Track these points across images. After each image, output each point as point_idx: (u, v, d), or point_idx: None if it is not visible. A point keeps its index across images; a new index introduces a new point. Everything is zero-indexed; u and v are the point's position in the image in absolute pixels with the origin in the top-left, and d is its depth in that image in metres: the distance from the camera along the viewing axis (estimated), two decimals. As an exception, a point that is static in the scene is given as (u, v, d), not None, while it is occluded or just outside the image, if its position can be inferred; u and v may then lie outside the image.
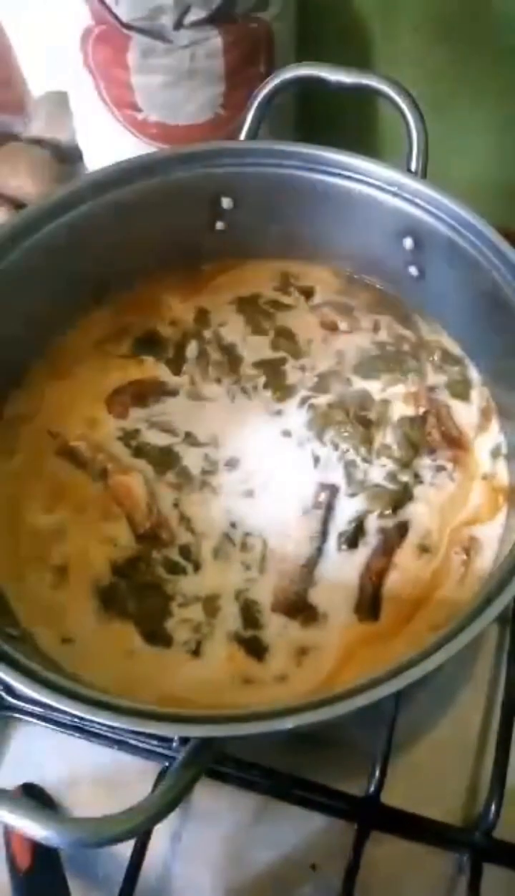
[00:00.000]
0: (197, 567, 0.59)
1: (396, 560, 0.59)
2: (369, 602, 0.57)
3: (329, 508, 0.61)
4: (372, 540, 0.60)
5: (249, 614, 0.57)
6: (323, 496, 0.61)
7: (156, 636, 0.56)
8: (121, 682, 0.52)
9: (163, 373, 0.68)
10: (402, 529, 0.60)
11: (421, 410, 0.65)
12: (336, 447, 0.63)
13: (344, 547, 0.59)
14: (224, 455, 0.64)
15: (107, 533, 0.60)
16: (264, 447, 0.64)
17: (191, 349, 0.70)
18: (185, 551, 0.59)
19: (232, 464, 0.63)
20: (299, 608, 0.57)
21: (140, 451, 0.64)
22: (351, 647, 0.55)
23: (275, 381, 0.68)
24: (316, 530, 0.60)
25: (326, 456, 0.63)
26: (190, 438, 0.65)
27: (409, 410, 0.65)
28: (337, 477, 0.62)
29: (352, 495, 0.61)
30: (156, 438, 0.65)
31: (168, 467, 0.63)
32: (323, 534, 0.60)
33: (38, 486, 0.62)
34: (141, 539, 0.60)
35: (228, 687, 0.54)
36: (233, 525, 0.61)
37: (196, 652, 0.56)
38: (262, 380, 0.68)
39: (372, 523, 0.60)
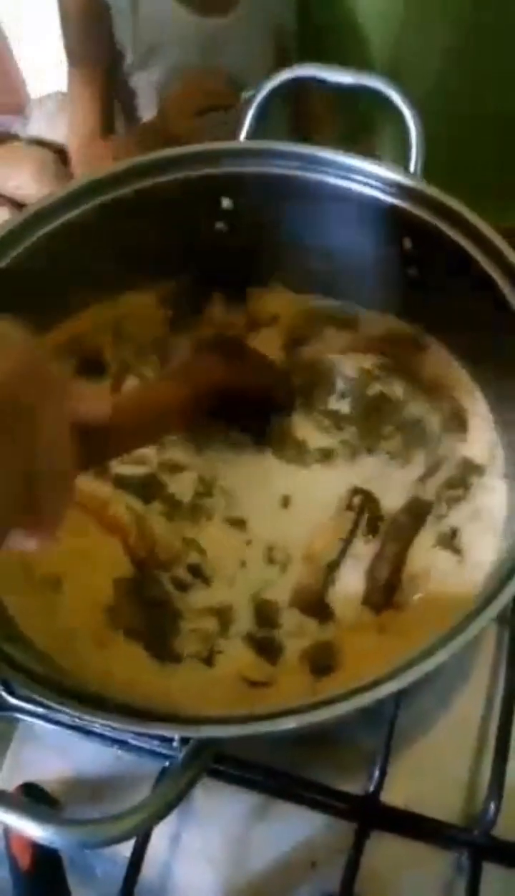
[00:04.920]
0: (208, 582, 0.59)
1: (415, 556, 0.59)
2: (379, 593, 0.57)
3: (361, 512, 0.61)
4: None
5: (265, 615, 0.57)
6: (357, 499, 0.61)
7: (165, 654, 0.56)
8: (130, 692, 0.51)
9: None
10: (418, 521, 0.60)
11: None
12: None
13: (369, 538, 0.60)
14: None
15: (108, 558, 0.59)
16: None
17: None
18: (194, 569, 0.59)
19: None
20: (317, 607, 0.58)
21: (119, 484, 0.62)
22: (364, 644, 0.56)
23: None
24: (346, 530, 0.60)
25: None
26: (170, 464, 0.64)
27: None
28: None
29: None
30: (132, 470, 0.63)
31: (153, 496, 0.62)
32: (353, 534, 0.60)
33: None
34: (140, 565, 0.59)
35: (241, 691, 0.54)
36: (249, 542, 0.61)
37: (208, 661, 0.56)
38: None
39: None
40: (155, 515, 0.62)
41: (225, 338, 0.70)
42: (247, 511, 0.62)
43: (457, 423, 0.65)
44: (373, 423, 0.66)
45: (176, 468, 0.64)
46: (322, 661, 0.55)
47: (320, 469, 0.64)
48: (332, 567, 0.59)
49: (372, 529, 0.60)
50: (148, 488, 0.63)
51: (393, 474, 0.63)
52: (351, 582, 0.59)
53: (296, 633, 0.57)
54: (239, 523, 0.62)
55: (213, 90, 1.03)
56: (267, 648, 0.56)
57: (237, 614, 0.57)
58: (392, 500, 0.62)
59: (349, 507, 0.61)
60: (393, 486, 0.63)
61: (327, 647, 0.56)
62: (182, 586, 0.59)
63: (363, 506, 0.61)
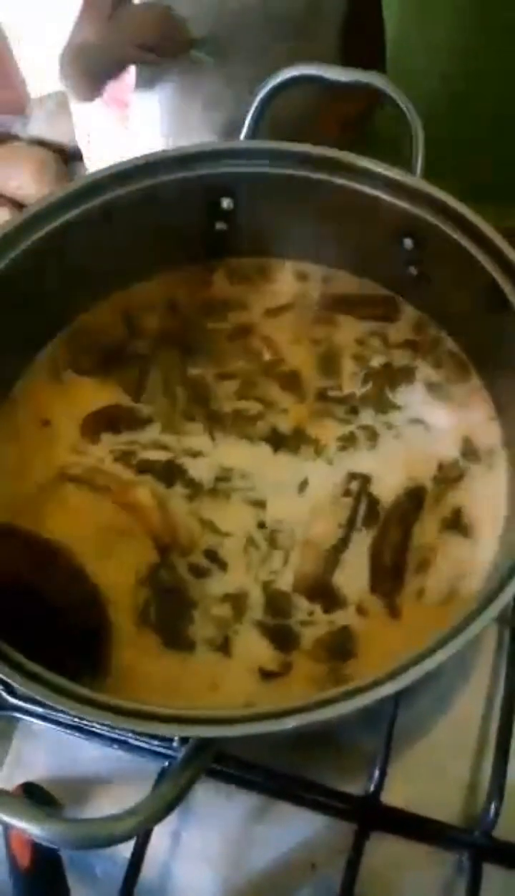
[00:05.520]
0: (224, 567, 0.59)
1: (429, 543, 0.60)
2: (386, 578, 0.58)
3: (359, 498, 0.61)
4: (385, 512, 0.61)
5: (277, 604, 0.57)
6: (354, 485, 0.61)
7: (179, 642, 0.56)
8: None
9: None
10: (418, 503, 0.60)
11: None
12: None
13: (372, 522, 0.60)
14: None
15: (129, 549, 0.60)
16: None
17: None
18: (211, 554, 0.59)
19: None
20: (322, 591, 0.58)
21: (142, 469, 0.63)
22: (380, 631, 0.56)
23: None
24: (345, 517, 0.60)
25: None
26: (191, 451, 0.64)
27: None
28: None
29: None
30: (156, 455, 0.64)
31: (175, 480, 0.63)
32: (353, 521, 0.60)
33: (53, 510, 0.61)
34: (163, 550, 0.60)
35: (257, 685, 0.54)
36: (262, 524, 0.61)
37: (223, 649, 0.56)
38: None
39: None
40: (177, 498, 0.62)
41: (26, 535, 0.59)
42: (265, 493, 0.62)
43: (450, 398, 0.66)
44: (386, 396, 0.66)
45: (196, 454, 0.64)
46: (340, 648, 0.55)
47: (340, 457, 0.64)
48: (336, 551, 0.59)
49: (373, 514, 0.61)
50: (169, 473, 0.63)
51: (395, 455, 0.64)
52: (357, 567, 0.59)
53: (309, 621, 0.57)
54: (258, 504, 0.62)
55: (168, 34, 1.00)
56: (281, 638, 0.56)
57: (252, 601, 0.57)
58: (390, 482, 0.62)
59: (346, 492, 0.61)
60: (392, 467, 0.63)
61: (344, 633, 0.56)
62: (199, 572, 0.59)
63: (360, 491, 0.61)
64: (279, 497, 0.62)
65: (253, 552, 0.59)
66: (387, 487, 0.62)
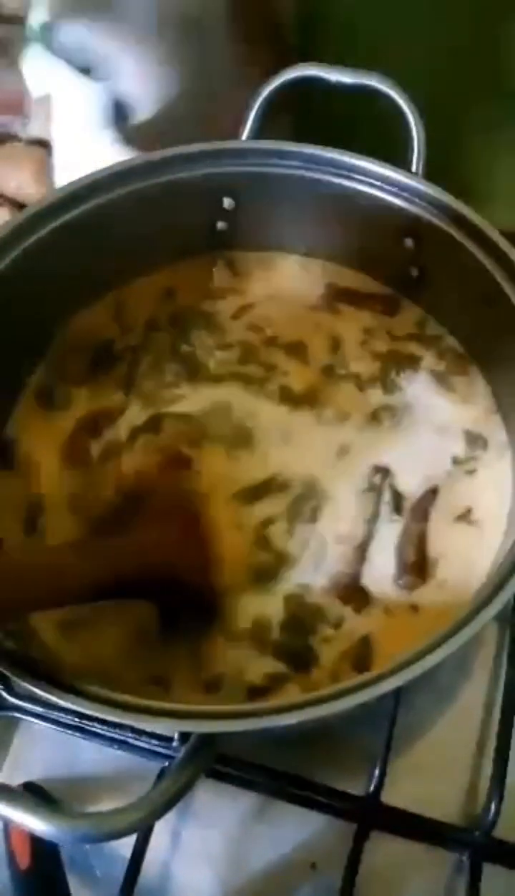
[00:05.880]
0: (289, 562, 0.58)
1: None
2: (409, 573, 0.58)
3: (381, 491, 0.61)
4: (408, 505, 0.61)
5: (300, 623, 0.56)
6: (377, 478, 0.61)
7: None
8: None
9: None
10: (433, 495, 0.61)
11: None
12: None
13: (395, 517, 0.60)
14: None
15: None
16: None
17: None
18: (263, 542, 0.59)
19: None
20: (354, 591, 0.57)
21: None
22: (399, 627, 0.56)
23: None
24: (370, 512, 0.60)
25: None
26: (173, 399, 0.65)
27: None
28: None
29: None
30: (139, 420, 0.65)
31: (161, 426, 0.64)
32: (376, 516, 0.60)
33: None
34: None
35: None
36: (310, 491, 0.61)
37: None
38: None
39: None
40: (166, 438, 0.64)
41: (181, 505, 0.60)
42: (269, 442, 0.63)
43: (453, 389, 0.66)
44: (392, 378, 0.66)
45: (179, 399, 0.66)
46: (360, 662, 0.54)
47: (356, 442, 0.64)
48: (362, 548, 0.59)
49: (397, 508, 0.60)
50: (155, 423, 0.65)
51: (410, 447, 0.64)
52: (381, 563, 0.59)
53: (333, 636, 0.56)
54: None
55: None
56: (299, 659, 0.55)
57: (273, 621, 0.56)
58: (409, 475, 0.62)
59: (370, 487, 0.61)
60: (409, 460, 0.63)
61: (364, 643, 0.55)
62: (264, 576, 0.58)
63: (382, 485, 0.61)
64: (279, 447, 0.63)
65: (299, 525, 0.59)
66: (406, 481, 0.61)
